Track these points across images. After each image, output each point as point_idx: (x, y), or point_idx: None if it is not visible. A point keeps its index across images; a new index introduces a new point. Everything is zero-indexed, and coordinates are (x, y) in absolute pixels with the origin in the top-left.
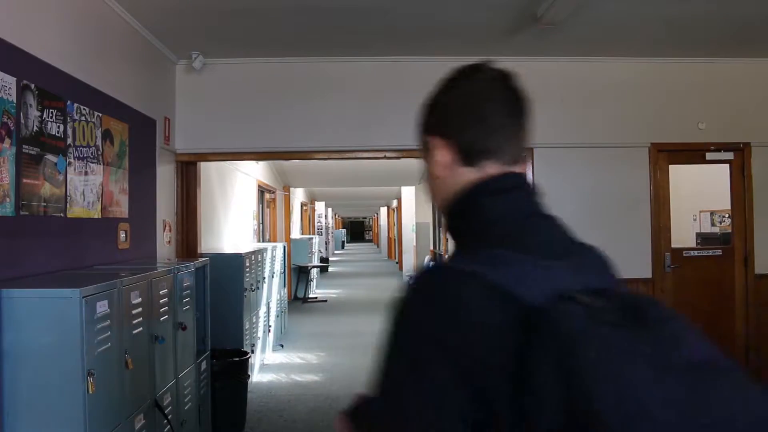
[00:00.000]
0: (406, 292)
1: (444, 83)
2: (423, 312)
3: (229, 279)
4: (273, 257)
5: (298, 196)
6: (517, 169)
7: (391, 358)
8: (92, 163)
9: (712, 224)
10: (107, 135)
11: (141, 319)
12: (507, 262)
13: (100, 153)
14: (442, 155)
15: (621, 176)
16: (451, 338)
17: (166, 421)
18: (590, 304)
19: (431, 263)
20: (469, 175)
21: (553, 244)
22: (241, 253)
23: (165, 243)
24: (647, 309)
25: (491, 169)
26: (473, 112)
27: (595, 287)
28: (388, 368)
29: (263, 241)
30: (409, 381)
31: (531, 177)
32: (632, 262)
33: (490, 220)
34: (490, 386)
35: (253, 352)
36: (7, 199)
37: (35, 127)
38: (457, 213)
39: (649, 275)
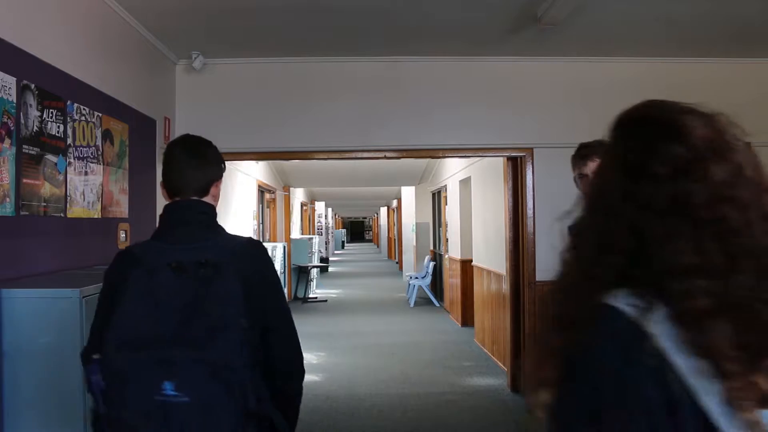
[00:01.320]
0: None
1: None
2: None
3: None
4: (273, 257)
5: (298, 196)
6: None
7: None
8: (92, 163)
9: None
10: (107, 135)
11: None
12: (145, 244)
13: (100, 153)
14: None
15: None
16: None
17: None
18: (174, 265)
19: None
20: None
21: (178, 233)
22: None
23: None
24: (190, 268)
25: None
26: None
27: (181, 257)
28: None
29: (263, 241)
30: None
31: (531, 177)
32: None
33: (159, 223)
34: None
35: None
36: (7, 199)
37: (35, 127)
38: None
39: None
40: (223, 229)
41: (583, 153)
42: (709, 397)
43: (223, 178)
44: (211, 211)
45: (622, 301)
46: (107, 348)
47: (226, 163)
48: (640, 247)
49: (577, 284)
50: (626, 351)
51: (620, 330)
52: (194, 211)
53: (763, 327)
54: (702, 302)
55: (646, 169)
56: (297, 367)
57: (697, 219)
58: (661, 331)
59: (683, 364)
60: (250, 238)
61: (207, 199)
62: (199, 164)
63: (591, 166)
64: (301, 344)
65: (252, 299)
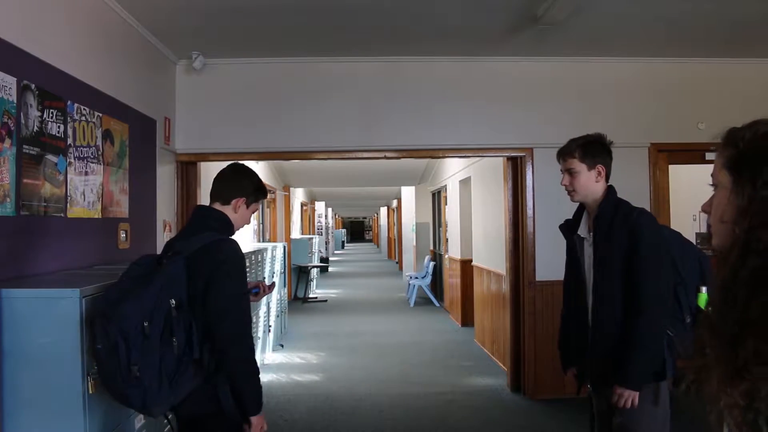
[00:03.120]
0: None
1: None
2: None
3: None
4: (273, 257)
5: (298, 196)
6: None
7: None
8: (92, 163)
9: None
10: (107, 135)
11: None
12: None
13: (100, 153)
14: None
15: (620, 176)
16: None
17: (166, 421)
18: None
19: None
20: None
21: (185, 232)
22: None
23: (165, 243)
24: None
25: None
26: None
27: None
28: None
29: (263, 241)
30: None
31: (531, 177)
32: None
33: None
34: None
35: None
36: (8, 199)
37: (35, 127)
38: None
39: None
40: (215, 232)
41: (559, 152)
42: None
43: None
44: (219, 218)
45: None
46: None
47: (226, 163)
48: None
49: None
50: None
51: None
52: (201, 216)
53: None
54: None
55: None
56: (231, 349)
57: None
58: None
59: None
60: (219, 239)
61: (227, 209)
62: (228, 181)
63: (571, 163)
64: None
65: (193, 287)
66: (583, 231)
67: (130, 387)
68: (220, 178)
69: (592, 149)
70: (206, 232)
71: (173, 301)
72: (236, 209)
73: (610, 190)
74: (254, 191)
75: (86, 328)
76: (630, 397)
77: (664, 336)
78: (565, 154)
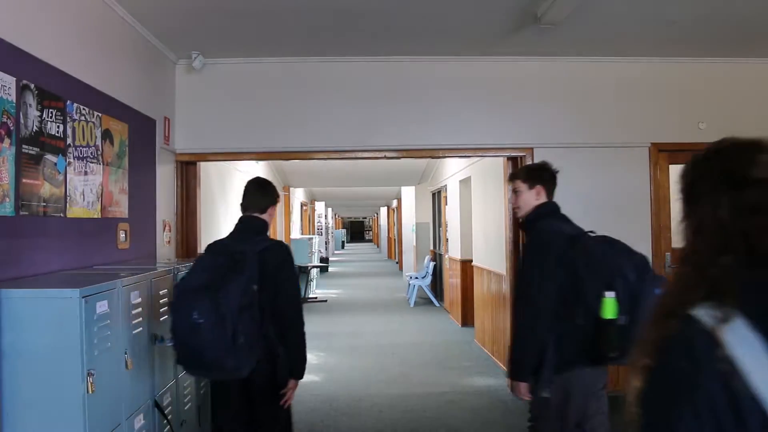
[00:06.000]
0: None
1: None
2: None
3: None
4: None
5: (298, 196)
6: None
7: None
8: (92, 163)
9: None
10: (107, 135)
11: (141, 319)
12: (218, 240)
13: (99, 153)
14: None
15: (621, 176)
16: None
17: (165, 421)
18: (226, 247)
19: None
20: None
21: (238, 235)
22: None
23: (165, 243)
24: (229, 253)
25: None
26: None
27: (233, 248)
28: None
29: None
30: None
31: None
32: None
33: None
34: None
35: None
36: (7, 199)
37: (35, 127)
38: None
39: None
40: (265, 234)
41: (510, 175)
42: None
43: (223, 178)
44: (261, 224)
45: (704, 311)
46: (175, 292)
47: (226, 163)
48: (749, 248)
49: (680, 289)
50: (700, 356)
51: (697, 338)
52: (251, 224)
53: None
54: None
55: (748, 177)
56: (291, 322)
57: None
58: (737, 340)
59: (761, 373)
60: (277, 241)
61: (264, 216)
62: (260, 194)
63: (516, 184)
64: (301, 311)
65: (264, 276)
66: None
67: (230, 353)
68: (254, 192)
69: (533, 173)
70: (259, 236)
71: (255, 287)
72: (270, 215)
73: (541, 206)
74: (276, 197)
75: (169, 311)
76: (510, 385)
77: (531, 334)
78: (513, 176)
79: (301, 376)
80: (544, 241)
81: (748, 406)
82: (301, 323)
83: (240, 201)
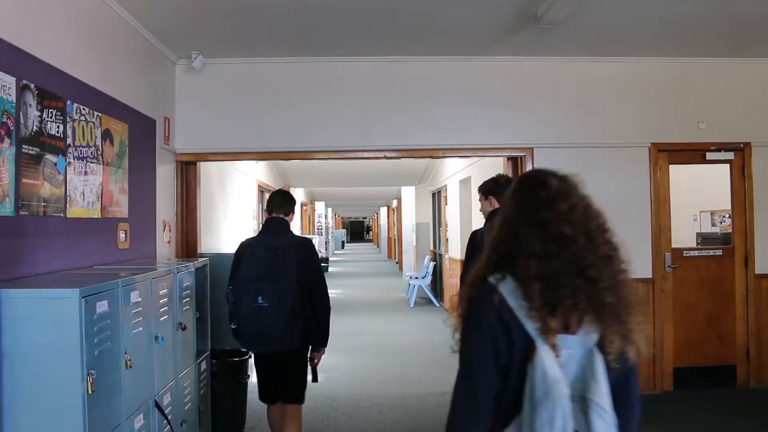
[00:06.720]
0: None
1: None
2: None
3: None
4: None
5: (298, 196)
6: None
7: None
8: (92, 163)
9: (713, 224)
10: (107, 135)
11: (141, 319)
12: (252, 238)
13: (99, 153)
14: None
15: (621, 176)
16: None
17: (165, 421)
18: (266, 247)
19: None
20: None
21: (270, 232)
22: None
23: (165, 243)
24: (273, 248)
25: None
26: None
27: (270, 243)
28: None
29: None
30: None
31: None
32: (632, 262)
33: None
34: None
35: None
36: (7, 199)
37: (35, 127)
38: None
39: (649, 275)
40: (291, 232)
41: (479, 189)
42: (529, 325)
43: (223, 178)
44: (286, 223)
45: (492, 276)
46: (235, 283)
47: (226, 163)
48: (517, 243)
49: (482, 264)
50: (485, 299)
51: (485, 290)
52: (279, 223)
53: (560, 289)
54: (532, 271)
55: (528, 203)
56: (323, 302)
57: (546, 229)
58: (505, 289)
59: (515, 305)
60: (304, 237)
61: (287, 218)
62: (286, 200)
63: (479, 196)
64: (327, 291)
65: (302, 265)
66: None
67: (288, 328)
68: (281, 198)
69: (485, 188)
70: (288, 233)
71: (298, 273)
72: (290, 218)
73: (492, 211)
74: (295, 203)
75: (232, 298)
76: None
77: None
78: (478, 189)
79: (326, 344)
80: (478, 235)
81: (512, 323)
82: (329, 302)
83: (265, 206)
